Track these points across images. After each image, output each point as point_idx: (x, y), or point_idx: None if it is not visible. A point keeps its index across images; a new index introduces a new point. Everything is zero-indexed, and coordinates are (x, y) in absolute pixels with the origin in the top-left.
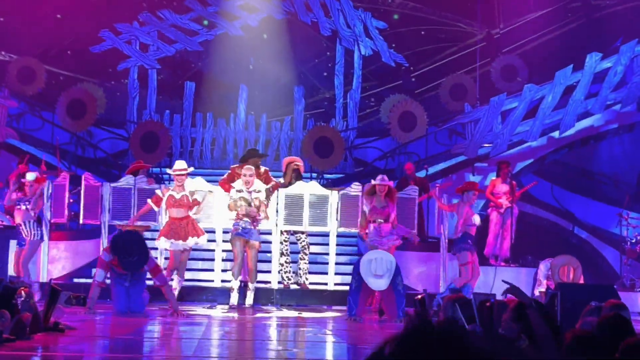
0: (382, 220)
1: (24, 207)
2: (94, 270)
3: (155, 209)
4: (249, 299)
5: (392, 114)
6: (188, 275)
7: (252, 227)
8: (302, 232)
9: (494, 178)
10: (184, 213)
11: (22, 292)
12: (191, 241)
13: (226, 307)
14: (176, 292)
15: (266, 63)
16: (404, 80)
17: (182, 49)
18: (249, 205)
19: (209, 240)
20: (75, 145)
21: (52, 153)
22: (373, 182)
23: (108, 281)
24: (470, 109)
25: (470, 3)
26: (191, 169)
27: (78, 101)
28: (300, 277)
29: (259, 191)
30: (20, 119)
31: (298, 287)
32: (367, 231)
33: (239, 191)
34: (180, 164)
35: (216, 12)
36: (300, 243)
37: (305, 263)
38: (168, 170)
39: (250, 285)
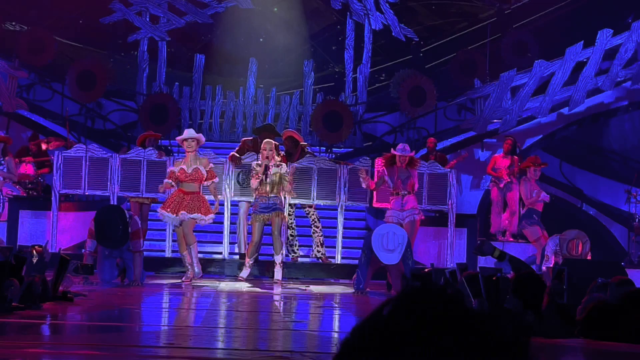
0: (406, 193)
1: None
2: None
3: (174, 185)
4: (277, 274)
5: (402, 88)
6: None
7: (275, 201)
8: (310, 206)
9: (496, 155)
10: (195, 188)
11: (35, 251)
12: (196, 216)
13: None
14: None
15: (276, 36)
16: (413, 55)
17: (192, 21)
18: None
19: (217, 214)
20: (85, 116)
21: (62, 124)
22: (393, 151)
23: None
24: (480, 85)
25: None
26: (202, 139)
27: (88, 72)
28: (316, 250)
29: (279, 165)
30: (30, 89)
31: (318, 260)
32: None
33: (259, 165)
34: (189, 132)
35: None
36: (310, 217)
37: (319, 236)
38: (177, 138)
39: (277, 258)
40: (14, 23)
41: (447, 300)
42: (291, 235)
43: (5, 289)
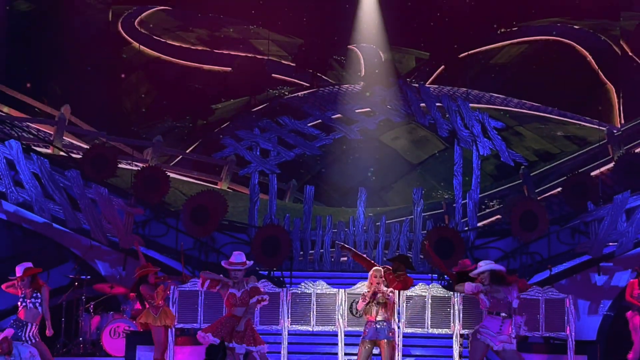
0: (505, 315)
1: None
2: None
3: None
4: None
5: (513, 213)
6: None
7: (384, 326)
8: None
9: (632, 280)
10: (244, 312)
11: None
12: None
13: None
14: None
15: (384, 165)
16: (524, 179)
17: (301, 153)
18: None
19: (332, 344)
20: (199, 250)
21: (177, 259)
22: (478, 265)
23: None
24: (593, 207)
25: (590, 101)
26: (249, 264)
27: (201, 207)
28: None
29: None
30: (145, 225)
31: None
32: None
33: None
34: (237, 257)
35: (334, 116)
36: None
37: None
38: (223, 264)
39: None
40: (129, 162)
41: None
42: None
43: None
